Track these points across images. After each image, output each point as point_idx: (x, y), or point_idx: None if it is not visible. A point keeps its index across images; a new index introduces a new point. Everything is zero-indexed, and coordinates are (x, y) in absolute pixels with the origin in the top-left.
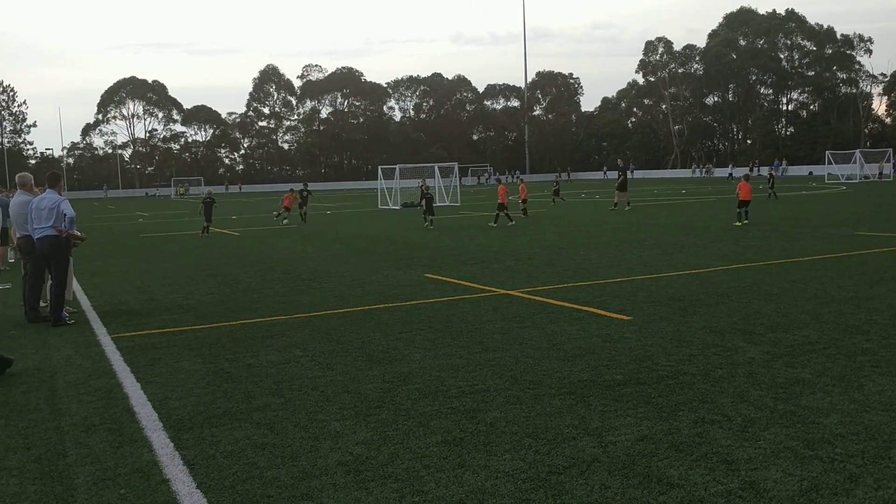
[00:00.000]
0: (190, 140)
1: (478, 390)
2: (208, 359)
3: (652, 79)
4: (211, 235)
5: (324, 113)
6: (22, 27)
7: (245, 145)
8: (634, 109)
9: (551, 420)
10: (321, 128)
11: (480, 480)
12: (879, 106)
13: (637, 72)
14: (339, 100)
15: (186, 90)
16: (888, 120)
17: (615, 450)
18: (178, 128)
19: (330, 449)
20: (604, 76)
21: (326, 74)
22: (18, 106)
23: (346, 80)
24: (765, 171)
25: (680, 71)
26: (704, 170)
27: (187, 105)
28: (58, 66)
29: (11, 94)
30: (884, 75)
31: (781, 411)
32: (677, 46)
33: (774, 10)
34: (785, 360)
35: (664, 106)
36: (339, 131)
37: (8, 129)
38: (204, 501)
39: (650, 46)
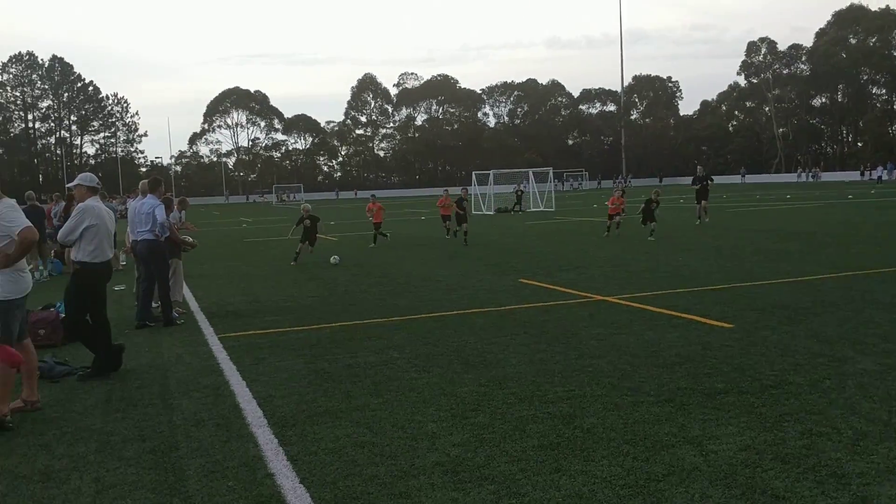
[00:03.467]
0: (290, 148)
1: (574, 396)
2: (309, 359)
3: (755, 80)
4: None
5: (419, 120)
6: (134, 42)
7: (342, 153)
8: (736, 112)
9: (650, 427)
10: (416, 135)
11: (577, 485)
12: None
13: (739, 73)
14: (434, 107)
15: (287, 99)
16: None
17: (716, 459)
18: (279, 136)
19: (427, 449)
20: (703, 79)
21: (422, 82)
22: (131, 117)
23: (442, 87)
24: (875, 174)
25: (785, 72)
26: (811, 174)
27: (288, 114)
28: (167, 78)
29: (125, 105)
30: None
31: (895, 424)
32: (781, 46)
33: (888, 7)
34: None
35: (767, 108)
36: (434, 138)
37: (121, 139)
38: (307, 496)
39: (752, 47)
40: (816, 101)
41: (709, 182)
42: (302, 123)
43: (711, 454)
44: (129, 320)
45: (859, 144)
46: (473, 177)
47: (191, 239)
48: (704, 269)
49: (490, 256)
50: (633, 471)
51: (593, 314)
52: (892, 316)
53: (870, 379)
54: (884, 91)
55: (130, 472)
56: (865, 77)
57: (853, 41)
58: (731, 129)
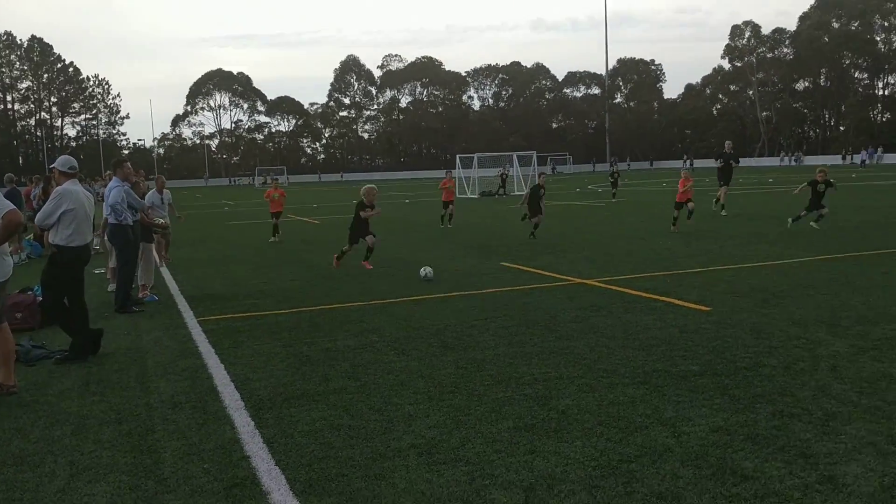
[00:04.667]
0: (274, 130)
1: (551, 378)
2: (288, 342)
3: (739, 64)
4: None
5: (403, 102)
6: (115, 22)
7: (326, 135)
8: (720, 96)
9: (624, 409)
10: (400, 117)
11: (550, 466)
12: None
13: (723, 57)
14: (419, 89)
15: (270, 82)
16: None
17: (688, 440)
18: (263, 118)
19: (403, 431)
20: (688, 62)
21: (406, 64)
22: (113, 98)
23: (426, 69)
24: (857, 158)
25: (768, 56)
26: (794, 158)
27: (271, 96)
28: (149, 59)
29: (106, 86)
30: None
31: (865, 406)
32: (765, 30)
33: None
34: (871, 354)
35: (751, 92)
36: (418, 120)
37: (103, 121)
38: (282, 478)
39: (737, 31)
40: (800, 85)
41: (734, 162)
42: (285, 105)
43: (684, 435)
44: (108, 303)
45: (841, 128)
46: (458, 160)
47: (162, 221)
48: (685, 253)
49: (473, 240)
50: (605, 451)
51: (572, 297)
52: (867, 298)
53: (842, 361)
54: (865, 75)
55: (106, 454)
56: (847, 61)
57: (836, 25)
58: (715, 112)
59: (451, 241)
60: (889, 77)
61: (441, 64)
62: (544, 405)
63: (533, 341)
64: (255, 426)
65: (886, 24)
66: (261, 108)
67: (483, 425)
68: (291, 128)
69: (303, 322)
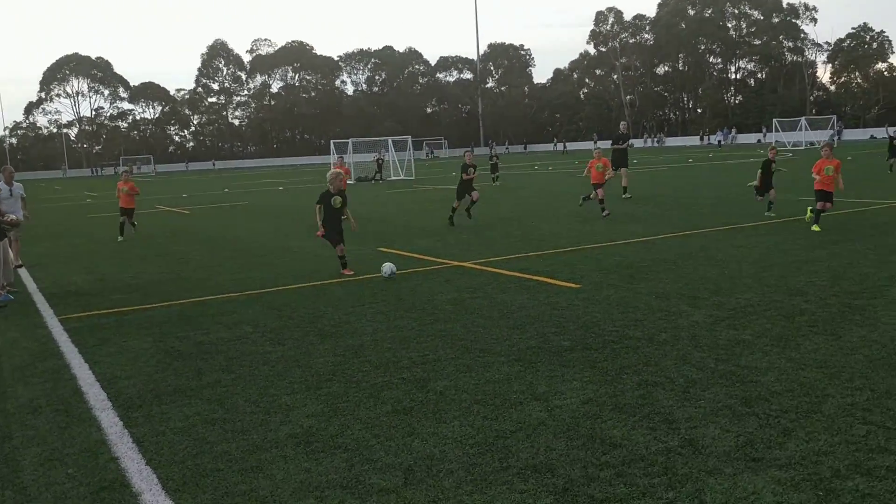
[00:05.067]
0: (138, 118)
1: (428, 360)
2: (158, 337)
3: (603, 49)
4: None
5: (275, 88)
6: None
7: (195, 122)
8: (587, 80)
9: (500, 387)
10: (272, 103)
11: (429, 447)
12: (824, 74)
13: (588, 42)
14: (290, 74)
15: (133, 67)
16: (832, 87)
17: (561, 413)
18: (126, 105)
19: (280, 422)
20: (556, 47)
21: (276, 48)
22: None
23: (297, 53)
24: (714, 139)
25: (631, 41)
26: (656, 139)
27: (134, 82)
28: None
29: None
30: (828, 43)
31: (722, 371)
32: (627, 16)
33: None
34: (727, 322)
35: (616, 76)
36: (291, 106)
37: None
38: (154, 477)
39: (601, 16)
40: (660, 70)
41: (628, 144)
42: (150, 91)
43: (556, 409)
44: None
45: (699, 111)
46: (332, 145)
47: (13, 217)
48: (555, 233)
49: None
50: (482, 429)
51: (449, 280)
52: (723, 271)
53: (701, 330)
54: (719, 60)
55: None
56: (703, 47)
57: (691, 12)
58: (582, 96)
59: None
60: (740, 62)
61: (312, 48)
62: (422, 388)
63: (411, 325)
64: (123, 426)
65: (737, 11)
66: (123, 95)
67: (361, 411)
68: (157, 115)
69: (173, 316)
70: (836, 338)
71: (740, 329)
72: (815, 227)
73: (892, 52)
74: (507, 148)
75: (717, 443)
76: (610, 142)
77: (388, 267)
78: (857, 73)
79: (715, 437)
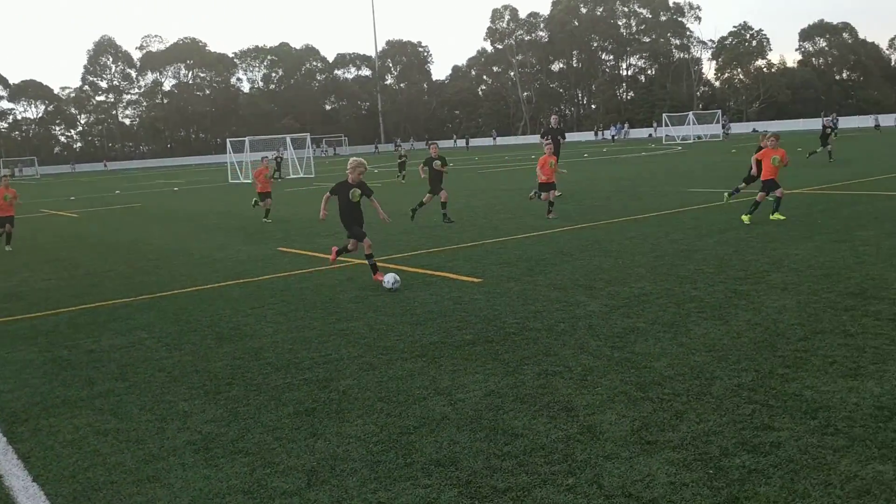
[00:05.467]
0: (19, 118)
1: (331, 360)
2: (45, 347)
3: (500, 46)
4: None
5: (167, 86)
6: None
7: (82, 122)
8: (484, 77)
9: (403, 383)
10: (165, 101)
11: (332, 447)
12: (709, 70)
13: (485, 39)
14: (183, 71)
15: (12, 63)
16: (717, 83)
17: (464, 406)
18: (5, 104)
19: (178, 429)
20: (454, 44)
21: (168, 45)
22: None
23: (190, 50)
24: (608, 134)
25: (526, 38)
26: None
27: (13, 79)
28: None
29: None
30: (712, 41)
31: (617, 358)
32: (522, 14)
33: None
34: (622, 311)
35: (512, 73)
36: (185, 104)
37: None
38: (41, 494)
39: (497, 14)
40: (555, 67)
41: (561, 138)
42: (32, 90)
43: (459, 402)
44: None
45: (593, 107)
46: (228, 144)
47: None
48: (458, 229)
49: (248, 226)
50: (386, 426)
51: (351, 278)
52: (616, 261)
53: (597, 320)
54: (612, 57)
55: None
56: (596, 44)
57: (584, 10)
58: (480, 93)
59: (224, 229)
60: (631, 59)
61: (206, 45)
62: (325, 387)
63: (312, 325)
64: (7, 442)
65: (627, 9)
66: (2, 93)
67: (262, 414)
68: (41, 115)
69: (62, 324)
70: (723, 322)
71: (634, 317)
72: (778, 216)
73: (771, 50)
74: (411, 145)
75: (614, 428)
76: (540, 136)
77: (390, 277)
78: (739, 70)
79: (612, 423)
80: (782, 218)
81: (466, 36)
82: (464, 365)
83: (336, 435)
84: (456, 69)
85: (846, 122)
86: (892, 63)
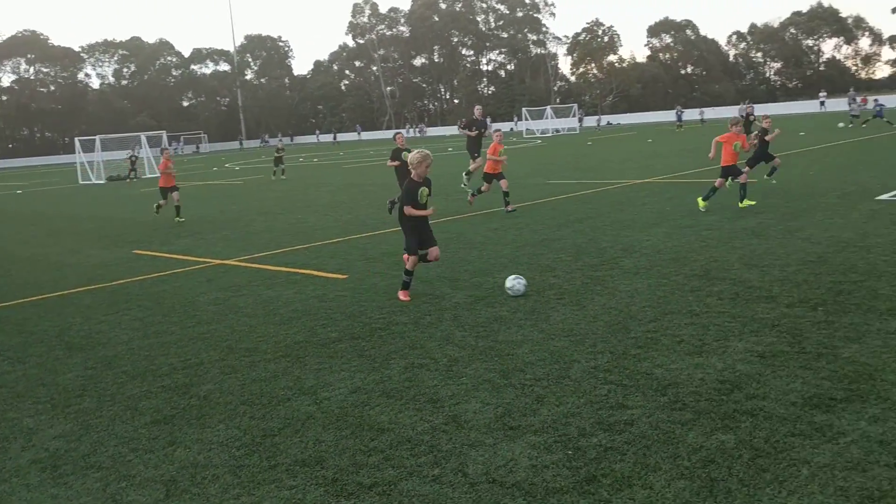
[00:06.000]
0: None
1: (191, 365)
2: None
3: (361, 41)
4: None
5: (6, 81)
6: None
7: None
8: (347, 72)
9: (266, 385)
10: (4, 98)
11: (193, 455)
12: (565, 65)
13: (347, 34)
14: (24, 66)
15: None
16: (573, 78)
17: (329, 405)
18: None
19: (22, 448)
20: (316, 39)
21: (4, 38)
22: None
23: (30, 44)
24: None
25: (388, 33)
26: (418, 129)
27: None
28: None
29: None
30: (566, 37)
31: (482, 348)
32: (383, 9)
33: None
34: (486, 301)
35: (375, 68)
36: (27, 101)
37: None
38: None
39: (357, 8)
40: (417, 62)
41: (483, 129)
42: None
43: (325, 401)
44: None
45: (456, 101)
46: (77, 143)
47: None
48: (322, 225)
49: (101, 229)
50: (249, 429)
51: (211, 279)
52: (480, 253)
53: (462, 311)
54: (472, 52)
55: None
56: (456, 39)
57: (443, 6)
58: (343, 88)
59: (72, 232)
60: (491, 54)
61: (48, 39)
62: (185, 394)
63: (171, 330)
64: None
65: (485, 5)
66: None
67: (117, 425)
68: None
69: None
70: (580, 307)
71: (497, 306)
72: (748, 202)
73: (622, 46)
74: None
75: (479, 416)
76: (459, 128)
77: (516, 283)
78: (592, 65)
79: (476, 411)
80: (752, 203)
81: (328, 31)
82: (329, 363)
83: (196, 442)
84: (318, 64)
85: (690, 115)
86: (731, 58)
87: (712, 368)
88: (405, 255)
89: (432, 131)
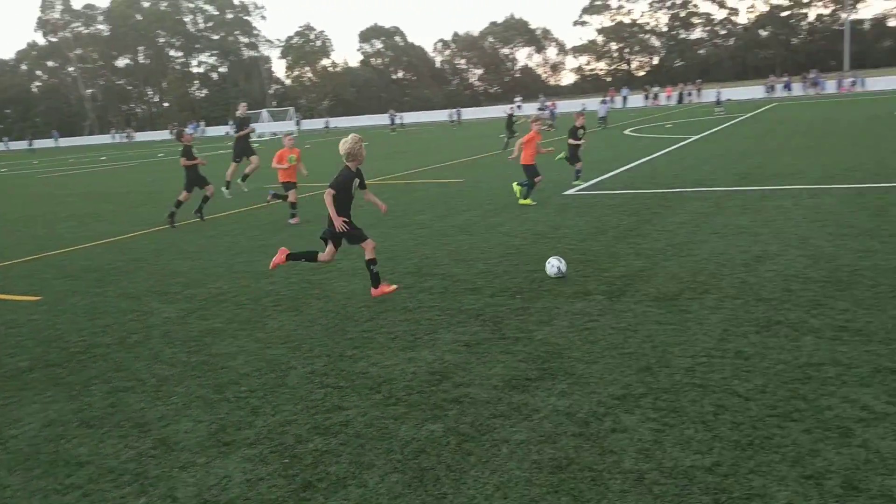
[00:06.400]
0: None
1: None
2: None
3: (54, 39)
4: None
5: None
6: None
7: None
8: (38, 73)
9: None
10: None
11: None
12: (280, 68)
13: (36, 31)
14: None
15: None
16: (288, 81)
17: (17, 444)
18: None
19: None
20: None
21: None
22: None
23: None
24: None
25: (85, 32)
26: (125, 135)
27: None
28: None
29: None
30: (279, 40)
31: (194, 363)
32: (77, 5)
33: None
34: (199, 313)
35: (72, 69)
36: None
37: None
38: None
39: (48, 3)
40: (121, 63)
41: (245, 128)
42: None
43: (11, 439)
44: None
45: (166, 105)
46: None
47: None
48: (12, 242)
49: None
50: None
51: None
52: (194, 263)
53: (173, 325)
54: (181, 54)
55: None
56: (163, 40)
57: (147, 4)
58: (36, 90)
59: None
60: (201, 56)
61: None
62: None
63: None
64: None
65: (193, 5)
66: None
67: None
68: None
69: None
70: (298, 313)
71: (211, 318)
72: (529, 201)
73: (334, 50)
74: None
75: (190, 436)
76: (232, 129)
77: (558, 265)
78: (307, 68)
79: (188, 431)
80: (533, 203)
81: (13, 26)
82: (18, 396)
83: None
84: (2, 64)
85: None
86: (437, 64)
87: (423, 361)
88: (365, 244)
89: (141, 136)
